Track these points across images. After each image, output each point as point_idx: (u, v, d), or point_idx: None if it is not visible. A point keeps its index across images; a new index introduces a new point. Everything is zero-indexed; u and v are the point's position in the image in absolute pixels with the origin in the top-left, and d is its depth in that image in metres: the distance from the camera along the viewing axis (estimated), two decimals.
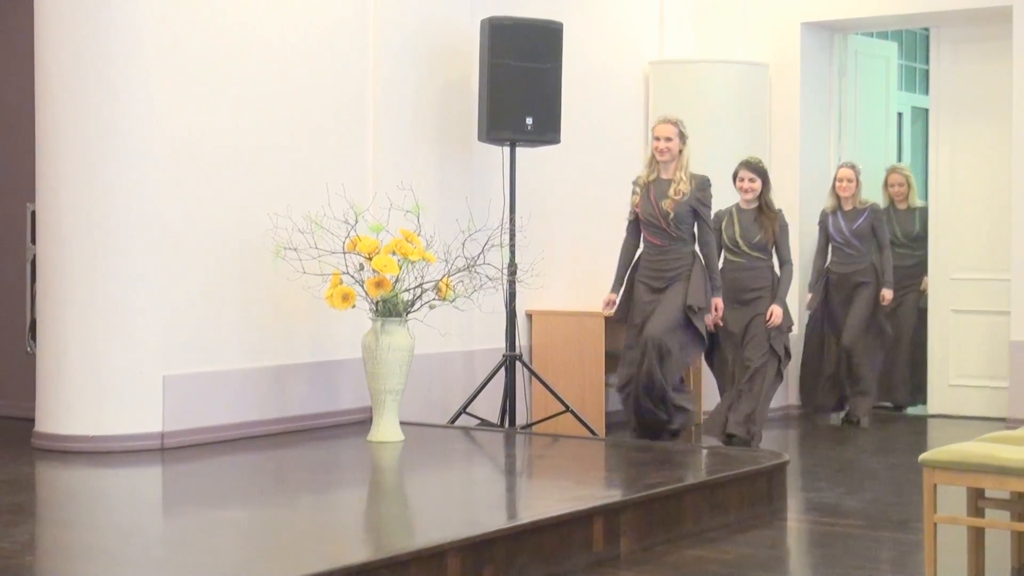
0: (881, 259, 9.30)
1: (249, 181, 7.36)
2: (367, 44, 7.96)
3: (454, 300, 7.31)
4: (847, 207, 9.36)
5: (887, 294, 9.25)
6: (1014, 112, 9.01)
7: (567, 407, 7.96)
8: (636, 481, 6.27)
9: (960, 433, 7.25)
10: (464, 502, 6.08)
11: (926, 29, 10.75)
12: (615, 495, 5.82)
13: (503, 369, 8.00)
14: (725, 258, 8.22)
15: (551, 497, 6.04)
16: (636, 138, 9.69)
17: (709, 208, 7.83)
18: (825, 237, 9.46)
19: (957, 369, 9.61)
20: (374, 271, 7.01)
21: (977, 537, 5.15)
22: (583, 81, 9.01)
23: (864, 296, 9.30)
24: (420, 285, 7.21)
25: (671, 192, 7.67)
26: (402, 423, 7.25)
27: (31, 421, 7.15)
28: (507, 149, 8.16)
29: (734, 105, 9.67)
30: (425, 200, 7.47)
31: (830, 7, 9.77)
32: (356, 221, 7.19)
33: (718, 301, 7.84)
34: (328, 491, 6.00)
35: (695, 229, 7.82)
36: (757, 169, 8.18)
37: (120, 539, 5.17)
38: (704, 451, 7.24)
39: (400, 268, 7.06)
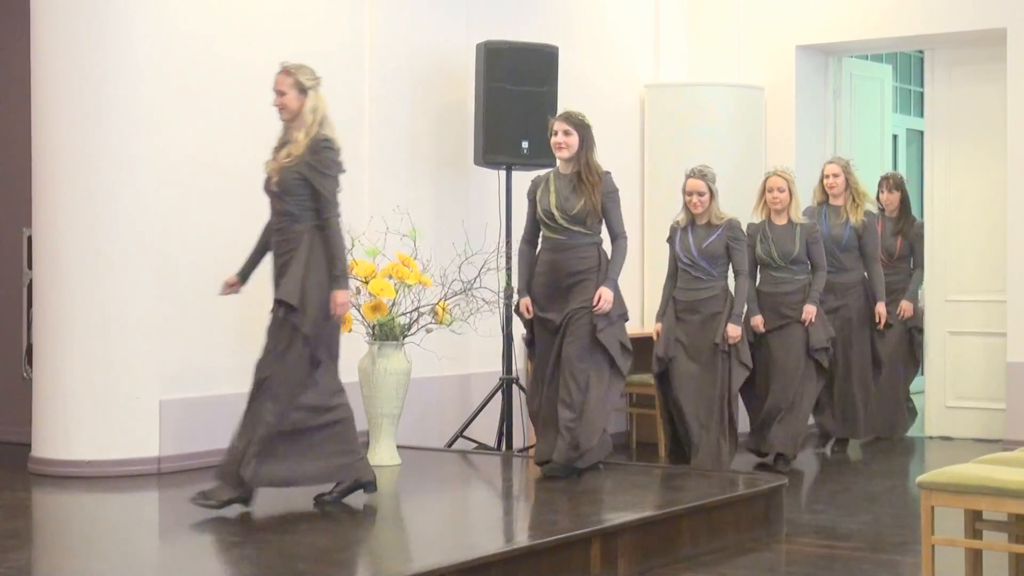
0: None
1: (245, 206, 7.28)
2: (363, 68, 8.01)
3: (451, 324, 7.33)
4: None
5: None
6: (1009, 134, 9.04)
7: None
8: (634, 504, 6.27)
9: (957, 455, 7.28)
10: (461, 526, 6.09)
11: (920, 52, 10.79)
12: (613, 518, 5.81)
13: (500, 392, 8.00)
14: (543, 235, 7.03)
15: (548, 520, 6.04)
16: (632, 161, 9.72)
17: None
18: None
19: (954, 391, 9.59)
20: (370, 295, 7.03)
21: (975, 559, 5.15)
22: (579, 104, 8.97)
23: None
24: (417, 309, 7.23)
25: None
26: (399, 447, 7.27)
27: (28, 446, 7.17)
28: (503, 172, 8.19)
29: (730, 128, 9.70)
30: (421, 224, 7.50)
31: (825, 30, 9.81)
32: (352, 245, 7.18)
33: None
34: (325, 515, 5.97)
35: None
36: (574, 121, 6.89)
37: (117, 565, 5.18)
38: (702, 474, 7.22)
39: (396, 292, 7.08)
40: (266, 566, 5.13)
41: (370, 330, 7.12)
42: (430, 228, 7.86)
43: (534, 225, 7.01)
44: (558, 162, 6.96)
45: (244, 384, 7.20)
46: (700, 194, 7.62)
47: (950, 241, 9.67)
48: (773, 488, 6.47)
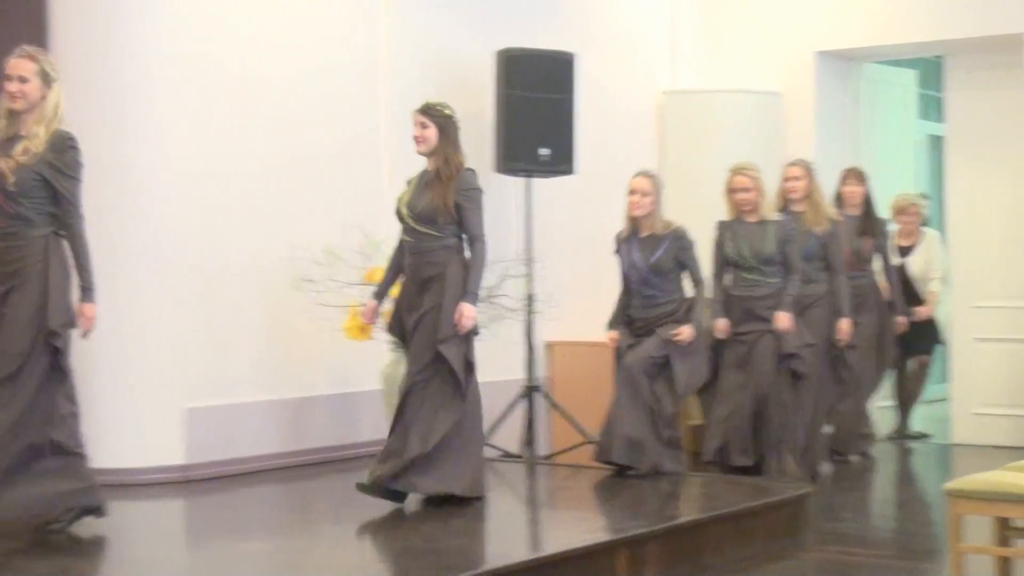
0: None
1: (266, 215, 7.43)
2: (380, 76, 8.04)
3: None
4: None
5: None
6: None
7: (588, 438, 7.96)
8: (660, 512, 6.29)
9: (985, 462, 7.23)
10: (487, 534, 6.07)
11: (940, 57, 10.78)
12: (639, 526, 5.79)
13: (523, 400, 8.01)
14: (400, 237, 6.38)
15: (575, 528, 6.05)
16: (649, 167, 9.72)
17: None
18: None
19: (980, 398, 9.51)
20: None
21: (1004, 567, 5.14)
22: (597, 111, 9.04)
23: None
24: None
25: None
26: None
27: None
28: (522, 180, 8.20)
29: (748, 135, 9.66)
30: None
31: (844, 36, 9.77)
32: (373, 253, 7.25)
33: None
34: (349, 523, 6.00)
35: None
36: (432, 112, 6.25)
37: (144, 572, 5.23)
38: (728, 482, 7.20)
39: None
40: (292, 573, 5.20)
41: (392, 338, 7.14)
42: None
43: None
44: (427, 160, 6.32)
45: (268, 392, 7.37)
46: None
47: (974, 247, 9.60)
48: (799, 496, 6.47)
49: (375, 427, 7.65)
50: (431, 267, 6.12)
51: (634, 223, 7.25)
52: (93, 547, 5.73)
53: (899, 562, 5.96)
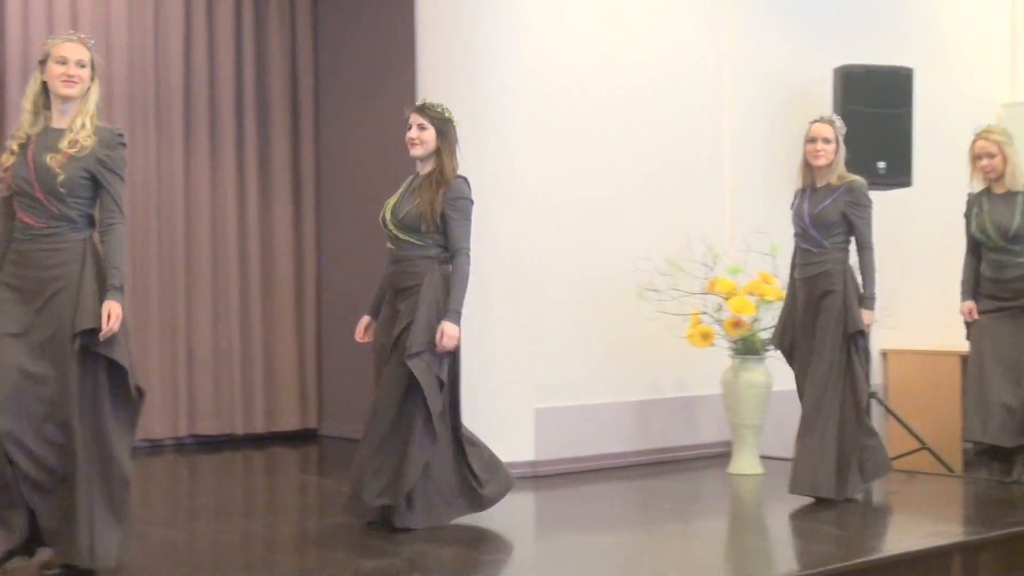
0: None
1: (612, 226, 7.68)
2: (723, 92, 8.23)
3: None
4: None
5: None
6: None
7: (923, 444, 7.98)
8: (996, 519, 6.12)
9: None
10: (822, 535, 6.06)
11: None
12: (975, 533, 5.77)
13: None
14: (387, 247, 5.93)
15: (908, 533, 6.08)
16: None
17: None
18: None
19: None
20: (731, 312, 7.27)
21: None
22: (935, 125, 8.98)
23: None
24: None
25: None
26: (761, 457, 7.45)
27: None
28: None
29: None
30: (780, 242, 7.56)
31: None
32: (714, 263, 7.46)
33: None
34: (691, 520, 6.17)
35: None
36: (430, 113, 5.83)
37: (497, 559, 5.45)
38: None
39: (757, 308, 7.29)
40: (637, 567, 5.33)
41: (732, 345, 7.38)
42: (789, 246, 7.93)
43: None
44: (417, 163, 5.97)
45: (613, 395, 7.56)
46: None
47: None
48: None
49: (716, 429, 7.89)
50: (409, 277, 5.73)
51: (812, 173, 6.65)
52: (446, 533, 5.92)
53: None
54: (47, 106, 4.89)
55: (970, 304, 7.16)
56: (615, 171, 7.75)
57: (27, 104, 4.90)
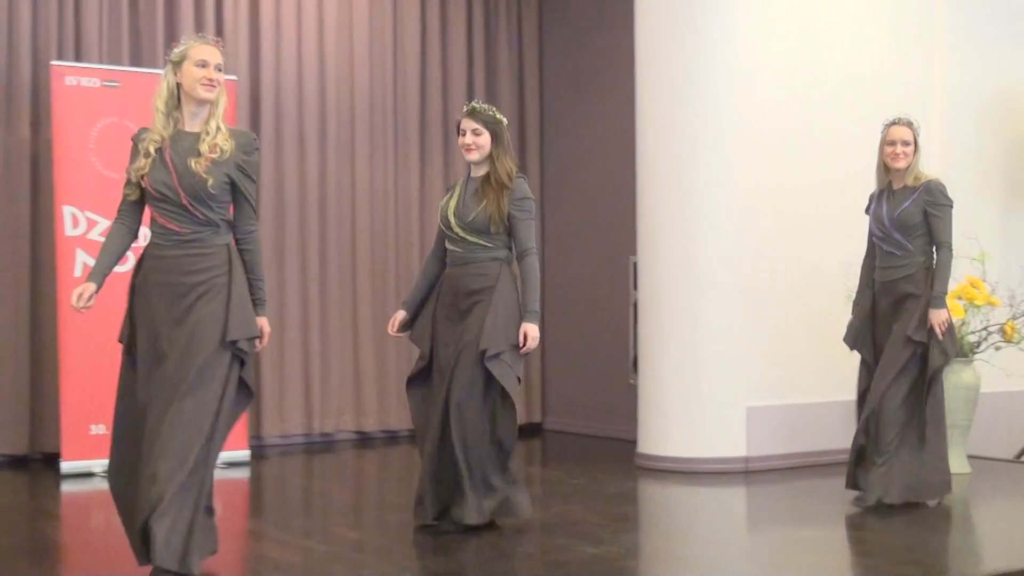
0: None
1: (819, 234, 7.80)
2: (933, 94, 8.24)
3: (1020, 342, 7.47)
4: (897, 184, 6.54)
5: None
6: None
7: None
8: None
9: None
10: (992, 537, 6.10)
11: None
12: None
13: None
14: (447, 248, 5.90)
15: None
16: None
17: None
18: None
19: None
20: None
21: None
22: None
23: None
24: (986, 328, 7.44)
25: None
26: (969, 456, 7.47)
27: (634, 443, 7.91)
28: None
29: None
30: (990, 248, 7.66)
31: None
32: None
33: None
34: (897, 515, 6.20)
35: None
36: (484, 118, 5.79)
37: (709, 551, 5.59)
38: None
39: (966, 312, 7.33)
40: (843, 558, 5.49)
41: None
42: (999, 252, 7.99)
43: (441, 236, 5.96)
44: (470, 166, 5.92)
45: (822, 394, 7.65)
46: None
47: None
48: None
49: None
50: (481, 279, 5.69)
51: (890, 176, 6.51)
52: (666, 525, 6.23)
53: None
54: (177, 108, 4.86)
55: None
56: (824, 172, 7.85)
57: (159, 104, 4.83)
